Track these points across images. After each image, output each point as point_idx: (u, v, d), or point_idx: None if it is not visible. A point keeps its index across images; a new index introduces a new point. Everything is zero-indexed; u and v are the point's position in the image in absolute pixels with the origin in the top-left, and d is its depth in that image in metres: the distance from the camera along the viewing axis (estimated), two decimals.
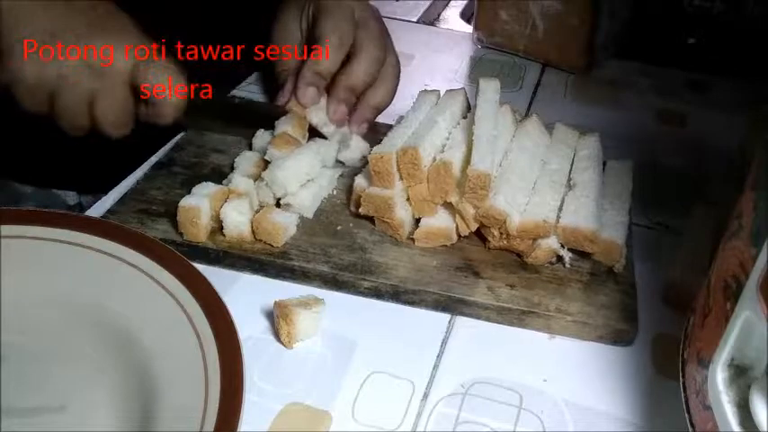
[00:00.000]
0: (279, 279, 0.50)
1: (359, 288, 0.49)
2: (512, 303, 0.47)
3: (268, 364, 0.44)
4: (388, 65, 0.64)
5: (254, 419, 0.41)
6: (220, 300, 0.43)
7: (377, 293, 0.49)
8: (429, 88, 0.60)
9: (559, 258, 0.50)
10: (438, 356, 0.46)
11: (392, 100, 0.65)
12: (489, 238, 0.50)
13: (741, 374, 0.31)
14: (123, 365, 0.42)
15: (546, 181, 0.52)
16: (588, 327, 0.47)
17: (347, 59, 0.62)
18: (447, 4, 0.96)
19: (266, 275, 0.50)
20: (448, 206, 0.51)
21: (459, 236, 0.51)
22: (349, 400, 0.43)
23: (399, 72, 0.66)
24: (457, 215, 0.50)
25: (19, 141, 0.69)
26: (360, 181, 0.53)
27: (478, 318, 0.48)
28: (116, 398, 0.40)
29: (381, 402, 0.43)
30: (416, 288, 0.48)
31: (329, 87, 0.62)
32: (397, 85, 0.65)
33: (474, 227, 0.50)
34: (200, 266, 0.49)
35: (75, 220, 0.49)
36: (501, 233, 0.49)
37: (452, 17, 0.94)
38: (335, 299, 0.49)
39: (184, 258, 0.46)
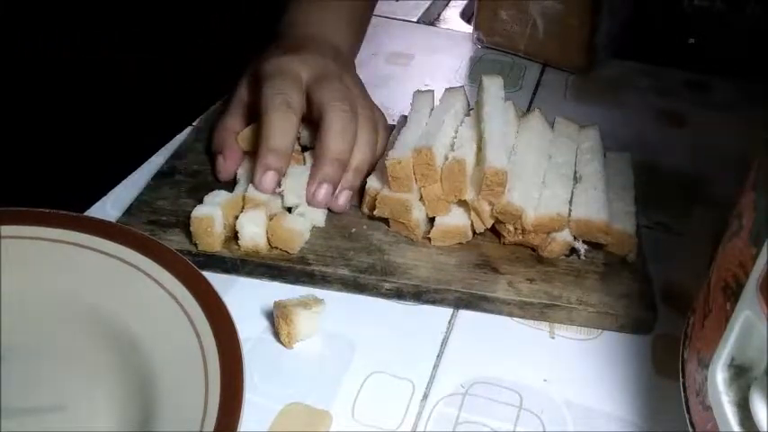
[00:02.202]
0: (298, 285, 0.50)
1: (380, 290, 0.49)
2: (534, 297, 0.48)
3: (268, 364, 0.44)
4: (363, 118, 0.55)
5: (254, 419, 0.41)
6: (220, 300, 0.43)
7: (398, 294, 0.49)
8: (429, 88, 0.60)
9: (573, 250, 0.50)
10: (438, 356, 0.46)
11: (376, 155, 0.56)
12: (504, 234, 0.50)
13: (741, 374, 0.31)
14: (123, 365, 0.42)
15: (554, 175, 0.53)
16: (610, 317, 0.47)
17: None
18: (447, 4, 0.96)
19: (285, 281, 0.50)
20: (461, 204, 0.51)
21: (475, 233, 0.51)
22: (349, 400, 0.43)
23: (382, 121, 0.58)
24: (472, 212, 0.50)
25: (9, 162, 0.68)
26: (372, 183, 0.53)
27: (500, 313, 0.48)
28: (116, 398, 0.40)
29: (381, 402, 0.43)
30: (439, 287, 0.48)
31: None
32: (377, 136, 0.56)
33: (490, 223, 0.50)
34: (218, 276, 0.49)
35: (76, 220, 0.49)
36: (516, 228, 0.49)
37: (452, 17, 0.94)
38: (335, 299, 0.49)
39: (184, 258, 0.46)
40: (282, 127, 0.51)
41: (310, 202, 0.52)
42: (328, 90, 0.53)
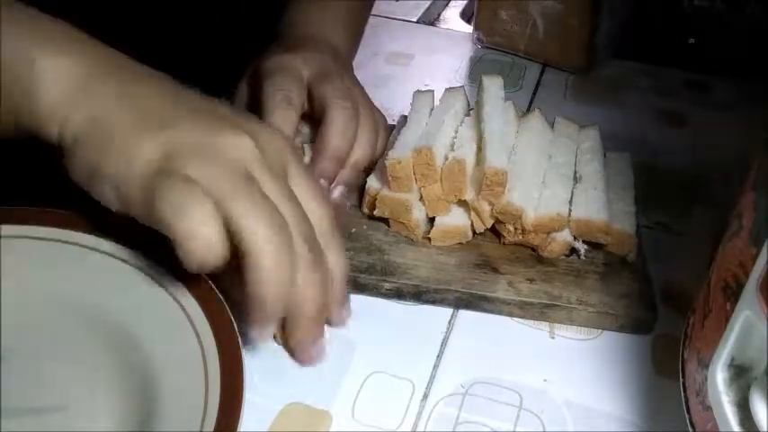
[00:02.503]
0: None
1: (380, 290, 0.49)
2: (534, 297, 0.48)
3: (268, 364, 0.44)
4: (364, 116, 0.55)
5: (254, 419, 0.41)
6: (220, 300, 0.43)
7: (398, 294, 0.49)
8: (429, 88, 0.60)
9: (573, 251, 0.51)
10: (438, 356, 0.46)
11: (375, 154, 0.55)
12: (504, 234, 0.51)
13: (741, 374, 0.31)
14: (123, 365, 0.42)
15: (554, 175, 0.53)
16: (610, 317, 0.47)
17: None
18: (447, 4, 0.96)
19: None
20: (462, 204, 0.51)
21: (475, 233, 0.52)
22: (349, 400, 0.43)
23: (382, 122, 0.58)
24: (472, 212, 0.50)
25: (9, 162, 0.67)
26: (372, 183, 0.53)
27: (500, 313, 0.48)
28: (116, 398, 0.40)
29: (381, 402, 0.43)
30: (439, 287, 0.48)
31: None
32: (377, 135, 0.56)
33: (490, 223, 0.50)
34: None
35: (76, 220, 0.49)
36: (516, 228, 0.50)
37: (452, 17, 0.94)
38: None
39: None
40: (282, 123, 0.51)
41: None
42: (331, 87, 0.53)
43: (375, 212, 0.51)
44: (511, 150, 0.53)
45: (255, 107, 0.55)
